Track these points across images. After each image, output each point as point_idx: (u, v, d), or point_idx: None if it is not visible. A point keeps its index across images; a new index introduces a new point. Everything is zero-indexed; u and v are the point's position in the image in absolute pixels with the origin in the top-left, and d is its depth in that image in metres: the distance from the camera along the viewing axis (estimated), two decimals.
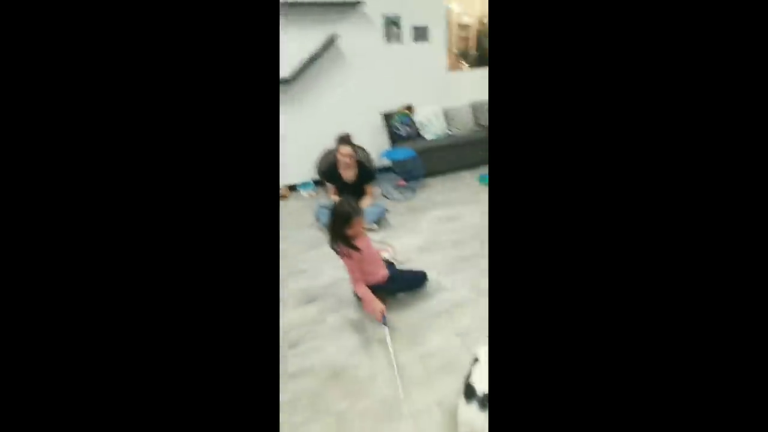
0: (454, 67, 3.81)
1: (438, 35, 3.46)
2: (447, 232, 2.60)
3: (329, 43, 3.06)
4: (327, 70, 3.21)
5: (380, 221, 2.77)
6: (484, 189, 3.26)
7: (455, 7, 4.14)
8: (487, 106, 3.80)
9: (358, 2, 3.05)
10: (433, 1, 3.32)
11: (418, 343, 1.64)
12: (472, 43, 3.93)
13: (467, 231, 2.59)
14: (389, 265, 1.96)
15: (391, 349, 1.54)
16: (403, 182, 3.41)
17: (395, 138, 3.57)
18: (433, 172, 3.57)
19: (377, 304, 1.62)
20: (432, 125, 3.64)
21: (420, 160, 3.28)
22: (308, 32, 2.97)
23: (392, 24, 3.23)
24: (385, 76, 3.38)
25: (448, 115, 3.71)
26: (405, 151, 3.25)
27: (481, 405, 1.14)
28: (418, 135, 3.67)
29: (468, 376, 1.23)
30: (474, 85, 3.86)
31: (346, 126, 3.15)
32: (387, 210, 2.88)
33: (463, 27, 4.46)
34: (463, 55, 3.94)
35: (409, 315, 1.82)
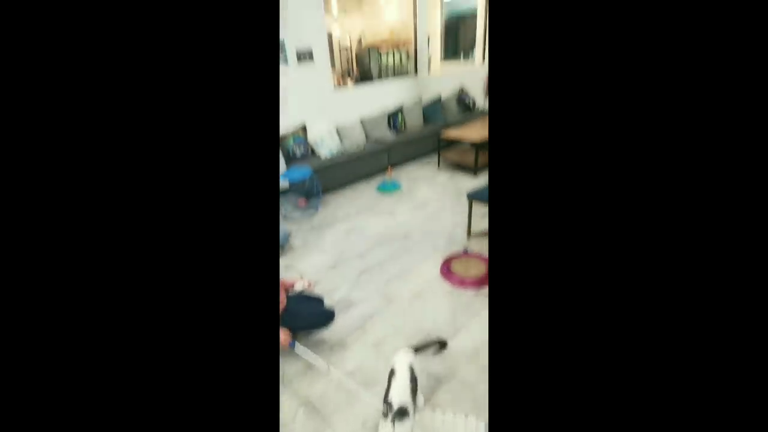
0: (339, 83, 3.92)
1: (322, 56, 3.53)
2: (351, 244, 2.66)
3: None
4: None
5: (284, 246, 2.68)
6: (383, 196, 3.43)
7: (335, 32, 4.33)
8: (374, 120, 4.02)
9: None
10: (314, 25, 3.38)
11: (337, 366, 1.63)
12: (354, 63, 4.13)
13: (370, 240, 2.69)
14: (299, 299, 1.87)
15: (313, 358, 1.49)
16: (303, 202, 3.36)
17: (290, 159, 3.51)
18: (331, 187, 3.60)
19: (280, 333, 1.53)
20: (325, 143, 3.68)
21: (317, 177, 3.28)
22: None
23: None
24: None
25: (340, 133, 3.81)
26: (302, 170, 3.22)
27: (398, 417, 1.19)
28: (313, 153, 3.68)
29: (386, 393, 1.26)
30: (360, 100, 4.04)
31: None
32: (289, 234, 2.80)
33: (344, 49, 4.70)
34: (347, 74, 4.10)
35: (324, 337, 1.80)
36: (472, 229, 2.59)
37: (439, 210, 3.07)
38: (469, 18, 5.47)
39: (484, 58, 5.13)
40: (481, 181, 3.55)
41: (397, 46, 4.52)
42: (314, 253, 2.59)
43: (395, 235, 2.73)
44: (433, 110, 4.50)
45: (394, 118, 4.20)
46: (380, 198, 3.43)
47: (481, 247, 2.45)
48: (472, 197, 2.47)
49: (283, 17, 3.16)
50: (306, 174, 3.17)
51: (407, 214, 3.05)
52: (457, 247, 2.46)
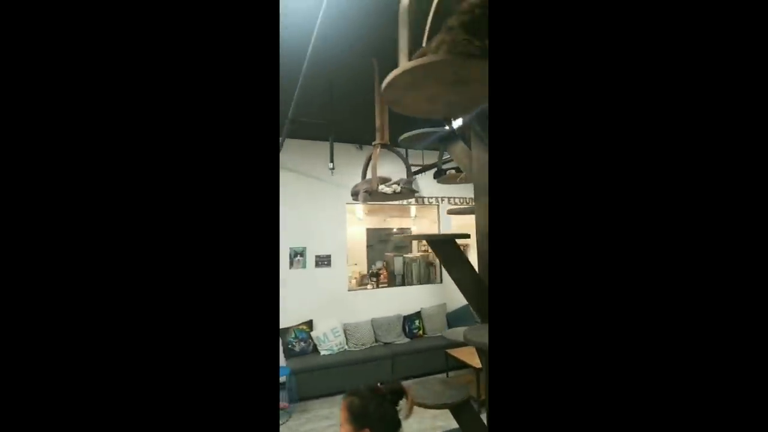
0: (357, 286, 4.26)
1: (340, 261, 4.06)
2: None
3: None
4: None
5: None
6: None
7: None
8: (387, 322, 3.99)
9: None
10: (336, 234, 4.09)
11: None
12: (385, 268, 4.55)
13: None
14: None
15: None
16: (284, 404, 3.23)
17: (289, 354, 3.63)
18: (321, 392, 3.41)
19: None
20: (328, 340, 3.74)
21: (295, 379, 3.22)
22: None
23: (297, 254, 3.89)
24: (289, 297, 3.76)
25: (347, 331, 3.87)
26: (282, 369, 3.24)
27: None
28: (314, 350, 3.73)
29: None
30: (376, 301, 4.19)
31: None
32: None
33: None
34: (371, 276, 4.49)
35: None
36: None
37: None
38: None
39: None
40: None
41: (426, 252, 4.86)
42: None
43: None
44: (460, 318, 4.24)
45: (409, 323, 4.09)
46: None
47: None
48: None
49: (309, 228, 3.93)
50: (284, 373, 3.17)
51: None
52: None
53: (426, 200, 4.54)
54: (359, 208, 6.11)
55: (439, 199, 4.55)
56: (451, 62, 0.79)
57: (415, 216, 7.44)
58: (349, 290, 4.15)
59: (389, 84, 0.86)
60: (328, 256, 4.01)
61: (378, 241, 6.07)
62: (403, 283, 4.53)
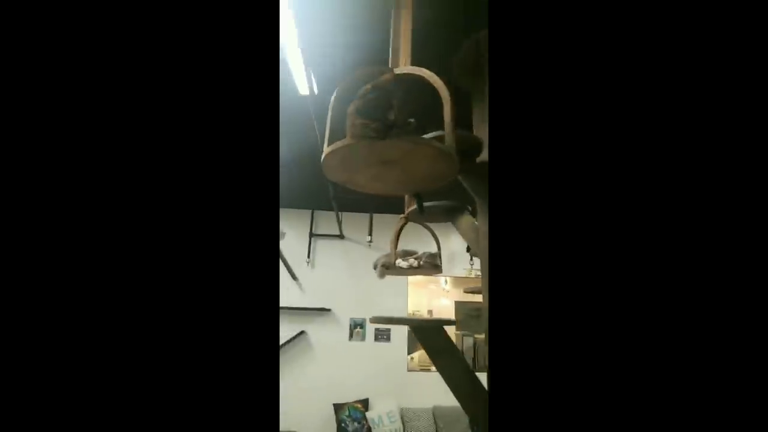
0: (417, 367, 3.93)
1: (399, 338, 3.88)
2: None
3: (297, 336, 3.78)
4: (291, 359, 3.80)
5: None
6: None
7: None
8: (452, 413, 3.48)
9: (329, 309, 3.92)
10: (397, 304, 3.98)
11: None
12: None
13: None
14: None
15: None
16: None
17: None
18: None
19: None
20: (383, 425, 3.45)
21: None
22: (282, 328, 3.79)
23: (357, 326, 3.90)
24: (346, 369, 3.72)
25: (404, 417, 3.52)
26: None
27: None
28: None
29: None
30: (437, 387, 3.74)
31: (296, 416, 3.36)
32: None
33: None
34: None
35: None
36: None
37: None
38: None
39: None
40: None
41: None
42: None
43: None
44: None
45: None
46: None
47: None
48: None
49: (370, 299, 3.93)
50: None
51: None
52: None
53: None
54: (443, 278, 5.85)
55: None
56: (355, 146, 0.81)
57: None
58: (408, 370, 3.85)
59: (324, 168, 0.91)
60: (388, 330, 3.89)
61: (465, 315, 5.60)
62: (474, 368, 3.99)
